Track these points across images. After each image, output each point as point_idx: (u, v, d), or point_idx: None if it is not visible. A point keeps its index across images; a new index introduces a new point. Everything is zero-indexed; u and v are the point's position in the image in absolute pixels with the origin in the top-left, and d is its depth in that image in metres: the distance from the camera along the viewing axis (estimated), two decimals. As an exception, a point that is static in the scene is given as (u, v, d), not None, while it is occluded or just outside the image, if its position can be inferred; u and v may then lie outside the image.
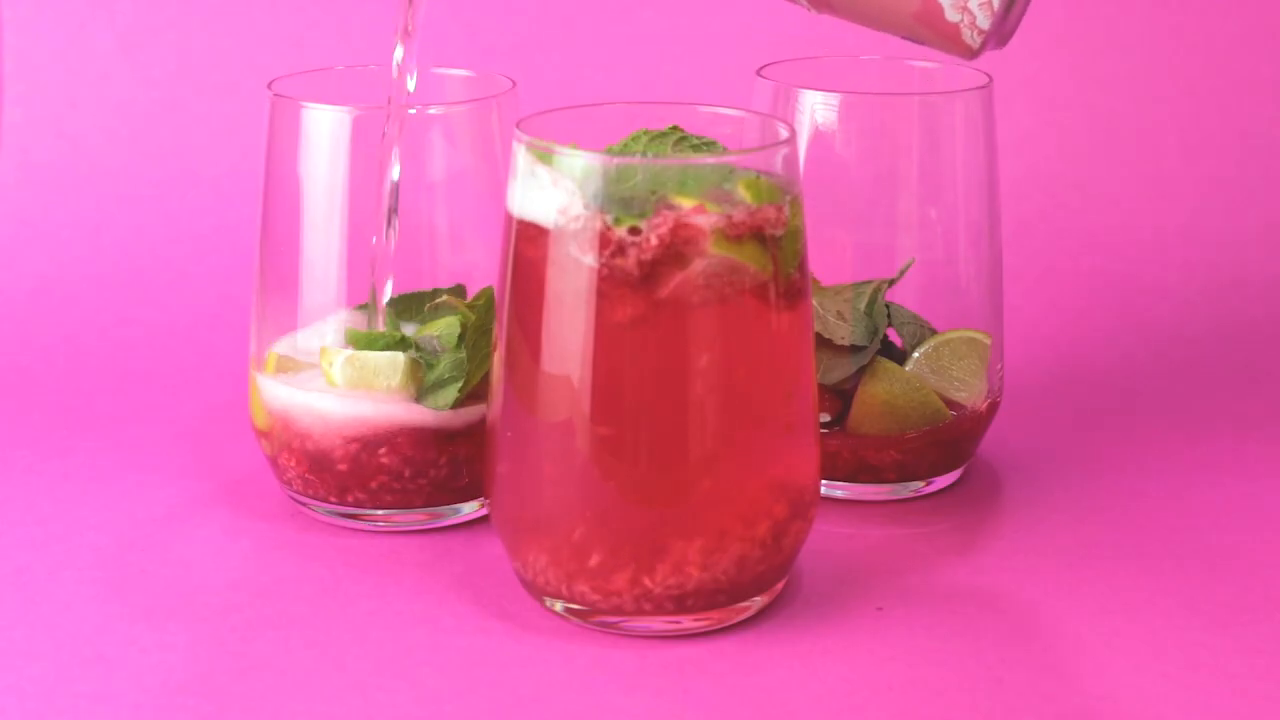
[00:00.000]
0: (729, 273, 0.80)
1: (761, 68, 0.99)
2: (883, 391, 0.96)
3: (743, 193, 0.81)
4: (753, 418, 0.82)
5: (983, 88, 0.97)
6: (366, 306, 0.93)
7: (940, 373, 0.97)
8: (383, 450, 0.91)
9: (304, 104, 0.92)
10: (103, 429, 1.06)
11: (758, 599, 0.85)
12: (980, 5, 0.82)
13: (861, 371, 0.96)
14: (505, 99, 0.95)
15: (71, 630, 0.85)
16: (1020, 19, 0.83)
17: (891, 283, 0.97)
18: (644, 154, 0.82)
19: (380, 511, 0.93)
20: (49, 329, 1.21)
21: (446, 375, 0.91)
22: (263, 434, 0.94)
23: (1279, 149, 1.38)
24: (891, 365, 0.96)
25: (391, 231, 0.92)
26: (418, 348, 0.91)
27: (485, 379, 0.91)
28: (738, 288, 0.80)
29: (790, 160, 0.82)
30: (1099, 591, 0.89)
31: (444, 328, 0.91)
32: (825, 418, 0.97)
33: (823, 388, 0.96)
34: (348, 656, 0.83)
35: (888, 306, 0.97)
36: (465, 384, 0.91)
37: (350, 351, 0.91)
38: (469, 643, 0.84)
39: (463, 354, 0.91)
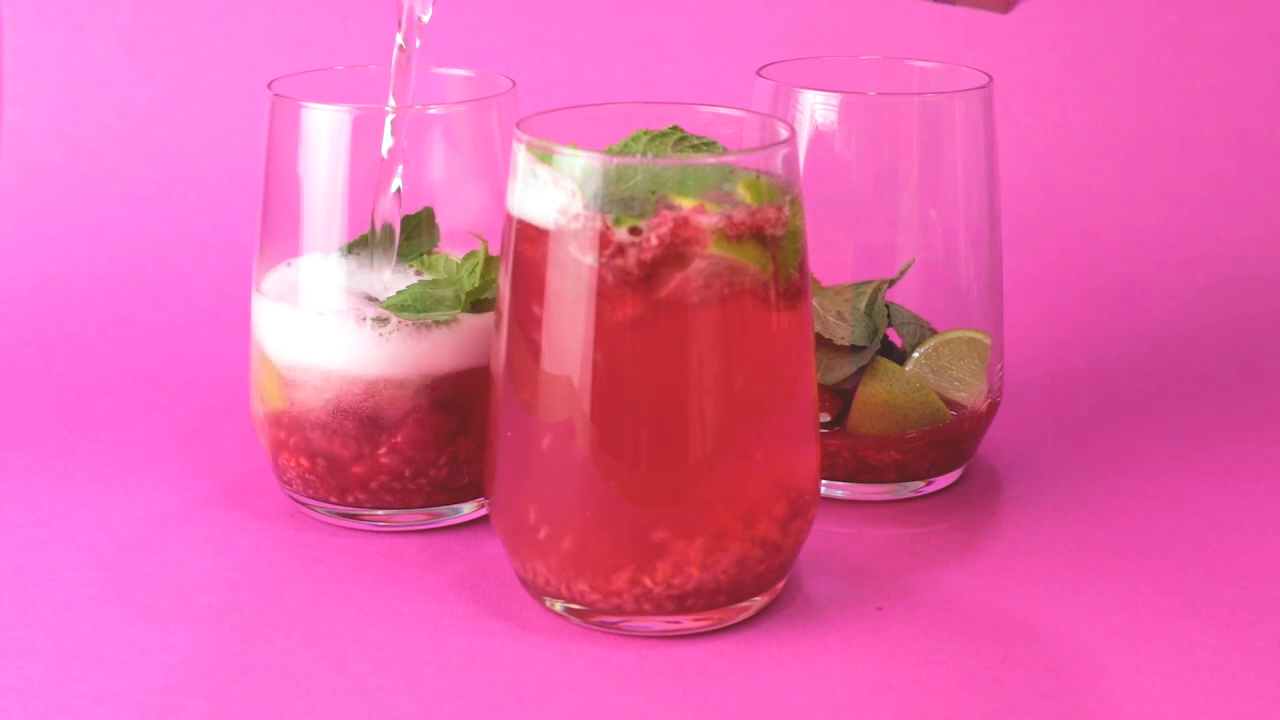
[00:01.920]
0: (729, 273, 0.80)
1: (761, 68, 0.99)
2: (883, 391, 0.96)
3: (743, 193, 0.81)
4: (753, 418, 0.82)
5: (983, 88, 0.97)
6: (354, 246, 0.93)
7: (940, 373, 0.97)
8: (382, 450, 0.91)
9: (304, 104, 0.92)
10: (103, 429, 1.06)
11: (758, 599, 0.85)
12: None
13: (861, 371, 0.96)
14: (505, 99, 0.95)
15: (71, 630, 0.85)
16: None
17: (891, 283, 0.97)
18: (644, 154, 0.82)
19: (380, 511, 0.93)
20: (49, 329, 1.21)
21: (416, 299, 0.90)
22: (271, 418, 0.93)
23: (1279, 149, 1.38)
24: (891, 365, 0.96)
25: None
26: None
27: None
28: (738, 288, 0.80)
29: (790, 160, 0.82)
30: (1099, 591, 0.89)
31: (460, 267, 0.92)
32: (825, 418, 0.97)
33: (823, 388, 0.96)
34: (348, 656, 0.83)
35: (888, 306, 0.97)
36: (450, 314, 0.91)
37: None
38: (469, 643, 0.84)
39: (451, 293, 0.90)
